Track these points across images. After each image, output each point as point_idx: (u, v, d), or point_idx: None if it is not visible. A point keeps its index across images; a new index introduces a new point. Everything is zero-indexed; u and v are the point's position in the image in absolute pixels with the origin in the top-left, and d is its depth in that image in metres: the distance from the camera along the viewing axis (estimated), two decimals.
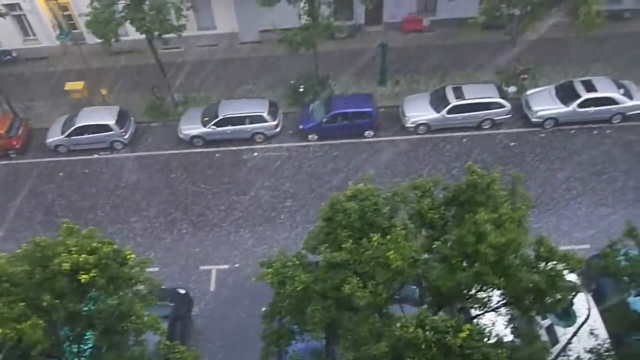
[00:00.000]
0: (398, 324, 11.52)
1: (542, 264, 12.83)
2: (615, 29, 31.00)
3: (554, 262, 12.73)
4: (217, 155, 27.54)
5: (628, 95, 26.75)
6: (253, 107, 27.59)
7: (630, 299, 16.70)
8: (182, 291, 21.59)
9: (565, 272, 12.84)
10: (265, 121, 27.23)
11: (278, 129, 27.70)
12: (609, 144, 26.51)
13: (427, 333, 11.02)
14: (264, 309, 15.33)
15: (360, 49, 31.57)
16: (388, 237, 12.18)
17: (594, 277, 19.30)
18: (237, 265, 23.05)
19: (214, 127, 27.23)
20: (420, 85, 29.97)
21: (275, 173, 26.44)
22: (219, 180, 26.36)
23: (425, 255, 13.40)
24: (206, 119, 27.57)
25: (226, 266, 23.09)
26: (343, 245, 12.47)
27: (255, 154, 27.46)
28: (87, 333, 14.08)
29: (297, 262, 13.16)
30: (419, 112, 27.36)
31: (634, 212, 21.38)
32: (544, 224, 22.87)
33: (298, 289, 12.34)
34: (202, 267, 23.12)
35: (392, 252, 11.81)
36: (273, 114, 27.56)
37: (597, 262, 16.01)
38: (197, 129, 27.51)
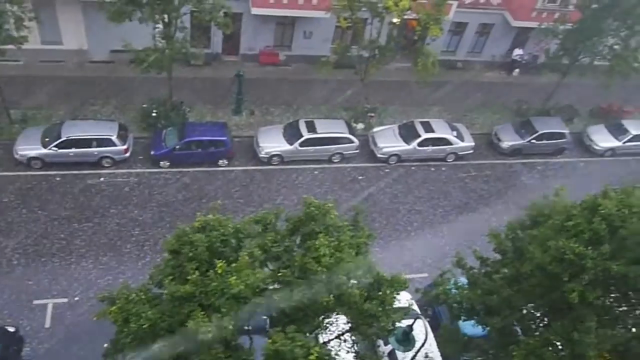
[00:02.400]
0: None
1: (375, 291, 13.67)
2: (450, 76, 34.43)
3: (384, 287, 13.62)
4: (57, 178, 25.59)
5: (460, 137, 29.77)
6: (101, 130, 26.13)
7: (460, 323, 18.34)
8: (11, 329, 19.47)
9: (395, 296, 13.77)
10: (114, 145, 25.93)
11: (128, 154, 26.49)
12: (444, 180, 29.16)
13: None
14: (105, 345, 14.42)
15: (216, 77, 31.58)
16: (233, 265, 12.16)
17: (430, 304, 20.91)
18: (77, 298, 21.39)
19: (55, 148, 25.32)
20: (275, 117, 30.68)
21: (123, 200, 25.21)
22: (60, 206, 24.45)
23: (276, 286, 13.60)
24: (47, 139, 25.56)
25: (64, 300, 21.33)
26: (189, 278, 12.22)
27: (102, 179, 25.98)
28: None
29: (143, 296, 12.61)
30: (272, 143, 27.89)
31: (464, 243, 23.47)
32: (388, 253, 24.38)
33: (144, 326, 11.80)
34: (36, 302, 21.10)
35: (234, 277, 11.79)
36: (123, 137, 26.34)
37: (430, 291, 17.35)
38: (35, 150, 25.37)
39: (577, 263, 13.10)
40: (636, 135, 32.43)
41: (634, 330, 14.00)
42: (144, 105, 28.56)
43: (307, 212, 13.47)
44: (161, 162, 26.80)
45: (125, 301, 12.27)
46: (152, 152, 26.80)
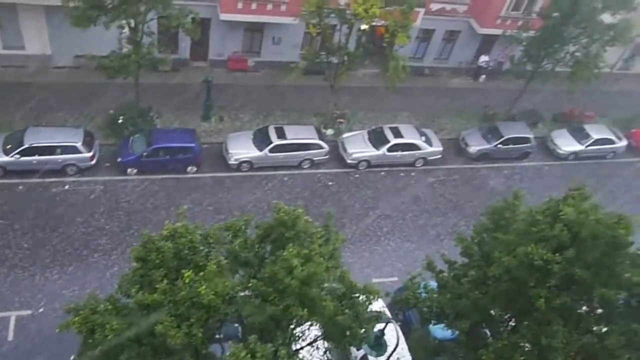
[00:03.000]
0: None
1: (347, 300, 13.66)
2: (418, 83, 34.88)
3: (356, 296, 13.63)
4: (20, 187, 24.94)
5: (429, 142, 30.11)
6: (65, 137, 25.54)
7: (431, 327, 18.48)
8: None
9: (367, 303, 13.79)
10: (79, 152, 25.38)
11: (94, 161, 25.95)
12: (413, 185, 29.43)
13: None
14: (72, 357, 14.09)
15: (184, 83, 31.29)
16: (201, 273, 12.02)
17: (400, 308, 21.01)
18: (41, 310, 20.83)
19: (17, 156, 24.67)
20: (244, 123, 30.52)
21: (89, 208, 24.68)
22: (22, 215, 23.80)
23: (246, 293, 13.47)
24: (9, 146, 24.86)
25: (28, 312, 20.74)
26: (157, 287, 12.02)
27: (67, 187, 25.41)
28: None
29: (110, 306, 12.35)
30: (242, 149, 27.72)
31: (434, 247, 23.76)
32: (358, 258, 24.49)
33: (109, 337, 11.55)
34: None
35: (203, 287, 11.65)
36: (88, 144, 25.81)
37: (400, 295, 17.43)
38: None
39: (544, 268, 13.33)
40: (597, 139, 33.41)
41: (595, 329, 14.28)
42: (111, 112, 28.08)
43: (277, 217, 13.40)
44: (128, 170, 26.36)
45: (90, 312, 11.98)
46: (119, 159, 26.33)
